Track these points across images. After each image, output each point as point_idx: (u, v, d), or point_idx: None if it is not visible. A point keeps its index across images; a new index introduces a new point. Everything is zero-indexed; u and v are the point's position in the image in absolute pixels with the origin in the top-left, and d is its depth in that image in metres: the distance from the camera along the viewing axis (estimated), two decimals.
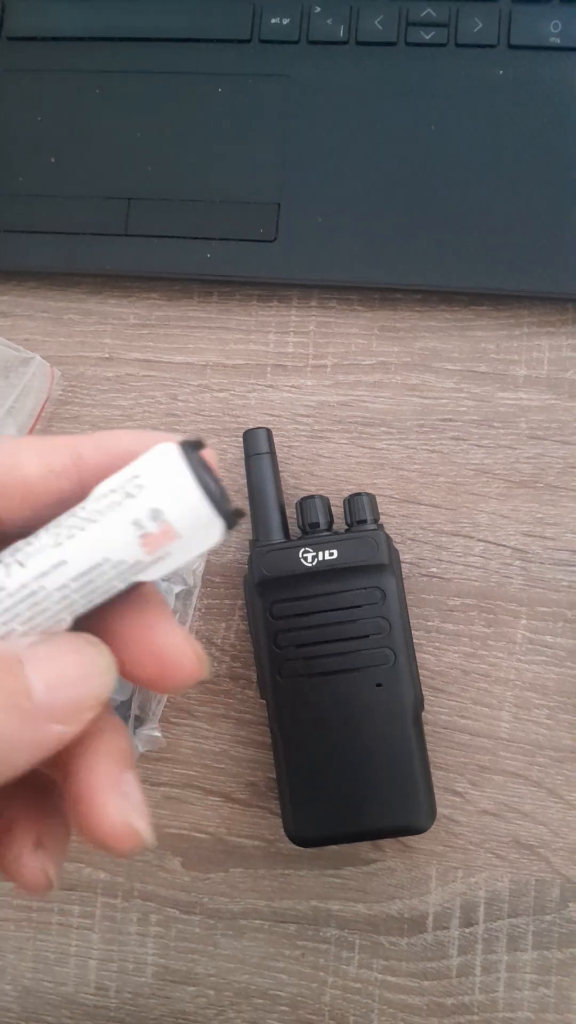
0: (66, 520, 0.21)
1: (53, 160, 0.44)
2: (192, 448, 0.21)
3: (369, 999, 0.40)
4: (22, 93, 0.45)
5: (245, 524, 0.42)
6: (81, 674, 0.20)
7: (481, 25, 0.43)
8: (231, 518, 0.21)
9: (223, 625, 0.43)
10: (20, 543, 0.21)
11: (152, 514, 0.20)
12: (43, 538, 0.20)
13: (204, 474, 0.20)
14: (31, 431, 0.43)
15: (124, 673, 0.22)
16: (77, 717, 0.20)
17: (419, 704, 0.38)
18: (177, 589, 0.42)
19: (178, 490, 0.20)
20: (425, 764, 0.38)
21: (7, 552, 0.21)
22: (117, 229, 0.44)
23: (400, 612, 0.38)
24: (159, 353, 0.45)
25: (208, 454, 0.21)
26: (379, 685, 0.38)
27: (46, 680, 0.20)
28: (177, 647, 0.22)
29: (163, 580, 0.42)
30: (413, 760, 0.37)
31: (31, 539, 0.21)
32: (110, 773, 0.21)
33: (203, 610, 0.43)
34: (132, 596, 0.22)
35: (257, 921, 0.41)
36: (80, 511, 0.20)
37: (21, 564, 0.20)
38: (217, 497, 0.20)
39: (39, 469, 0.22)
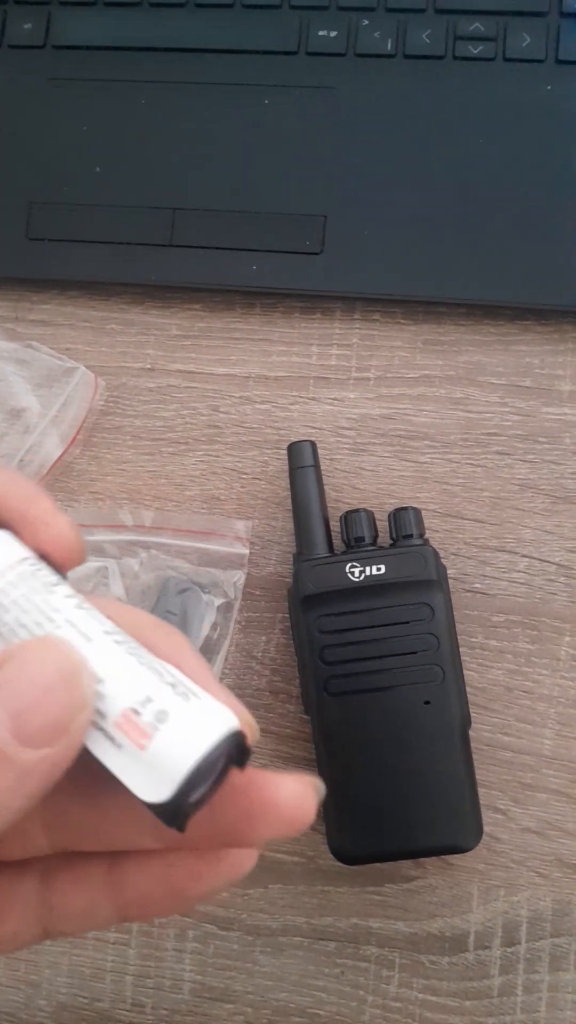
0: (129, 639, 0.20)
1: (98, 170, 0.44)
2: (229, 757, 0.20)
3: (409, 1018, 0.40)
4: (68, 102, 0.45)
5: (289, 536, 0.42)
6: (48, 687, 0.18)
7: (529, 40, 0.43)
8: (166, 812, 0.19)
9: (263, 638, 0.42)
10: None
11: (159, 715, 0.19)
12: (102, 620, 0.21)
13: (203, 774, 0.19)
14: (73, 441, 0.43)
15: None
16: (57, 737, 0.18)
17: (466, 722, 0.38)
18: (218, 602, 0.42)
19: (183, 748, 0.19)
20: (472, 782, 0.38)
21: None
22: (161, 240, 0.44)
23: (448, 629, 0.38)
24: (201, 364, 0.45)
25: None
26: (427, 702, 0.37)
27: (9, 709, 0.18)
28: (294, 795, 0.21)
29: (204, 592, 0.42)
30: (460, 778, 0.37)
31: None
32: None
33: (243, 623, 0.42)
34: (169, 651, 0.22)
35: (296, 938, 0.41)
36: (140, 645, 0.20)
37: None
38: (183, 795, 0.19)
39: None
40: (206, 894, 0.22)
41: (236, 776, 0.20)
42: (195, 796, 0.19)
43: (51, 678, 0.18)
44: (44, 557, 0.22)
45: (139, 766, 0.19)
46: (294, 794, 0.21)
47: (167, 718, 0.19)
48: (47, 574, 0.21)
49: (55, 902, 0.23)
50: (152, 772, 0.19)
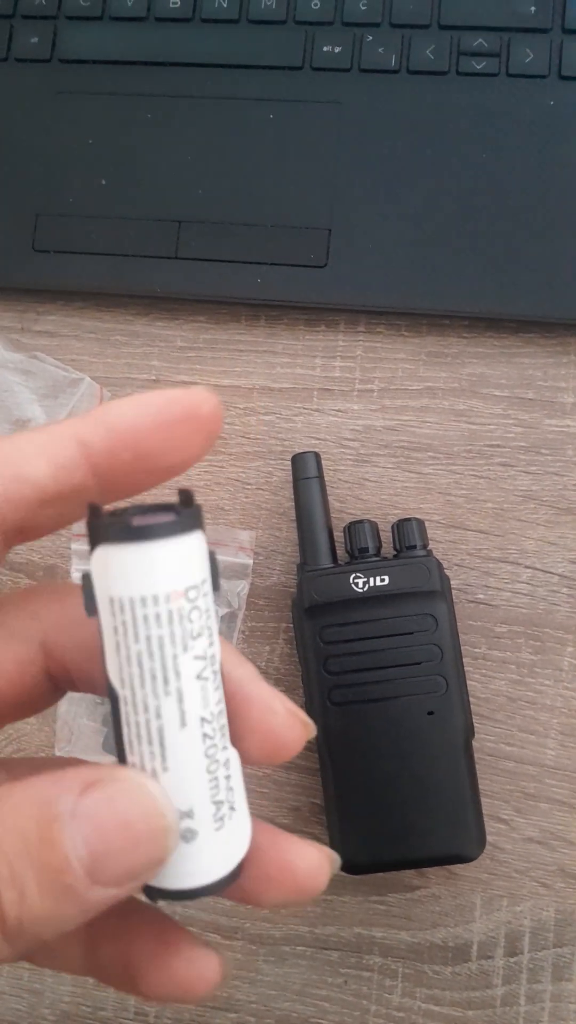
0: (219, 730, 0.20)
1: (104, 182, 0.45)
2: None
3: None
4: (74, 115, 0.45)
5: (292, 547, 0.42)
6: (133, 838, 0.18)
7: (532, 55, 0.43)
8: (153, 894, 0.20)
9: (267, 648, 0.42)
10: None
11: (186, 833, 0.20)
12: (214, 703, 0.20)
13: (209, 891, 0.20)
14: None
15: None
16: (128, 883, 0.18)
17: (470, 732, 0.38)
18: (222, 612, 0.42)
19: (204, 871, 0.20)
20: (476, 793, 0.38)
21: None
22: (167, 252, 0.44)
23: (452, 639, 0.38)
24: (206, 376, 0.45)
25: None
26: (431, 713, 0.37)
27: (91, 848, 0.18)
28: (282, 714, 0.21)
29: None
30: (464, 788, 0.37)
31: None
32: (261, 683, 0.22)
33: (247, 633, 0.43)
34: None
35: (299, 948, 0.41)
36: (222, 746, 0.20)
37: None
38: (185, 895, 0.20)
39: (47, 469, 0.20)
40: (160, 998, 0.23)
41: (261, 834, 0.21)
42: (189, 900, 0.20)
43: (140, 830, 0.18)
44: (214, 564, 0.21)
45: None
46: (312, 864, 0.22)
47: (193, 839, 0.19)
48: (199, 616, 0.19)
49: None
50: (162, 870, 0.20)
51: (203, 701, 0.19)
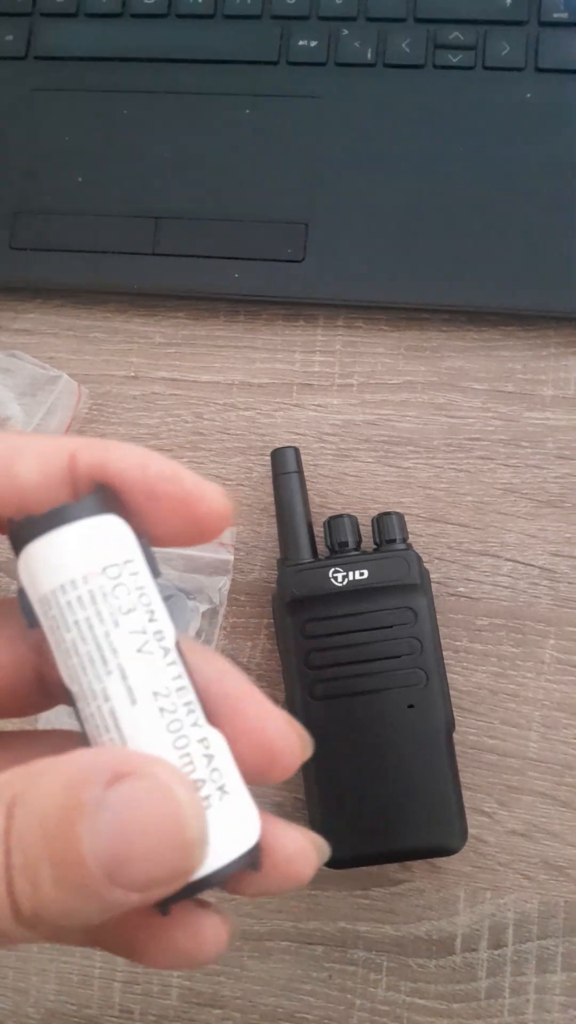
0: (182, 706, 0.20)
1: (80, 179, 0.44)
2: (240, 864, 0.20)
3: (397, 1021, 0.40)
4: (50, 112, 0.45)
5: (273, 542, 0.42)
6: (154, 850, 0.17)
7: (508, 48, 0.43)
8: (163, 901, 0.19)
9: (249, 644, 0.42)
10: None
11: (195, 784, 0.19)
12: (169, 677, 0.20)
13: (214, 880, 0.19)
14: None
15: None
16: (153, 892, 0.17)
17: (451, 725, 0.38)
18: (203, 608, 0.42)
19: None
20: (457, 785, 0.38)
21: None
22: (144, 248, 0.44)
23: (431, 632, 0.38)
24: (185, 372, 0.45)
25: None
26: (411, 706, 0.37)
27: (111, 850, 0.17)
28: (280, 730, 0.21)
29: (189, 599, 0.42)
30: (445, 781, 0.37)
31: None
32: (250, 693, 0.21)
33: (228, 629, 0.43)
34: (216, 679, 0.21)
35: (284, 943, 0.41)
36: (191, 722, 0.20)
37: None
38: (190, 890, 0.19)
39: (36, 476, 0.20)
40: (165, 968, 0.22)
41: (230, 689, 0.21)
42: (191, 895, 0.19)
43: (163, 841, 0.17)
44: (146, 550, 0.20)
45: None
46: (297, 849, 0.21)
47: None
48: (126, 592, 0.19)
49: None
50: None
51: (151, 675, 0.19)
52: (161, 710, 0.19)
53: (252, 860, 0.20)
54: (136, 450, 0.21)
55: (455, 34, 0.44)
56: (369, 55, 0.44)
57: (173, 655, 0.20)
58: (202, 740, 0.19)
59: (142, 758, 0.18)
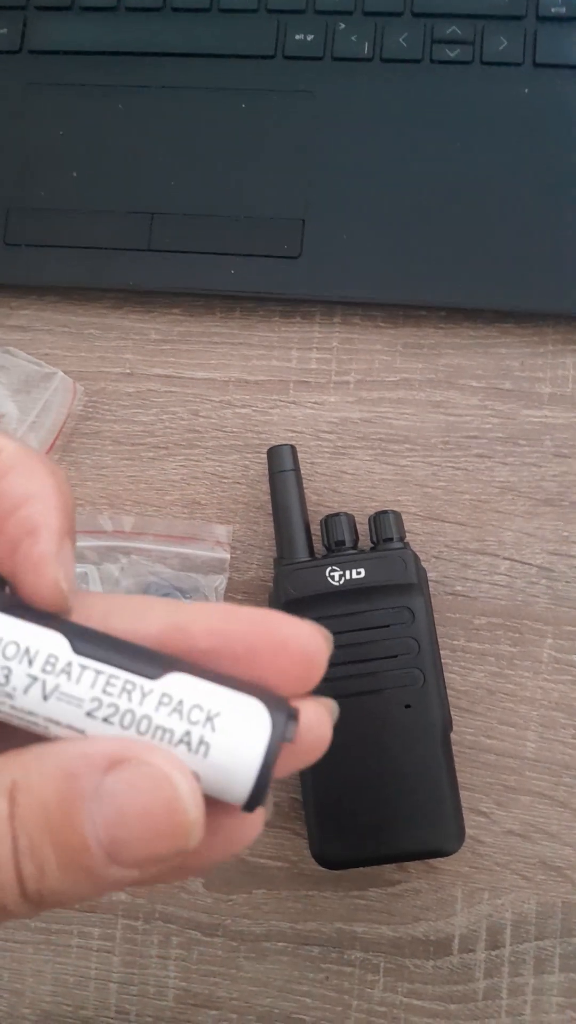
0: (121, 696, 0.19)
1: (75, 175, 0.44)
2: (281, 737, 0.20)
3: (394, 1023, 0.39)
4: (44, 107, 0.45)
5: (270, 541, 0.42)
6: (153, 830, 0.18)
7: (506, 43, 0.43)
8: (251, 808, 0.19)
9: None
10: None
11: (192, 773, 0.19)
12: (88, 687, 0.19)
13: (267, 775, 0.19)
14: (52, 447, 0.43)
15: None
16: (148, 869, 0.18)
17: (448, 725, 0.38)
18: None
19: (232, 783, 0.19)
20: (454, 786, 0.38)
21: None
22: (140, 244, 0.43)
23: (429, 632, 0.38)
24: (181, 369, 0.44)
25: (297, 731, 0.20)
26: (408, 706, 0.37)
27: (111, 832, 0.18)
28: (311, 635, 0.21)
29: (185, 597, 0.42)
30: (442, 782, 0.37)
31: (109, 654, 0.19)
32: (53, 542, 0.20)
33: None
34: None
35: (280, 944, 0.40)
36: (139, 699, 0.19)
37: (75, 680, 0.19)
38: (260, 794, 0.19)
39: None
40: (204, 869, 0.22)
41: (252, 619, 0.21)
42: (264, 795, 0.19)
43: (161, 822, 0.18)
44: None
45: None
46: (305, 635, 0.21)
47: (198, 779, 0.19)
48: None
49: None
50: (215, 793, 0.19)
51: (72, 707, 0.19)
52: (106, 720, 0.19)
53: (284, 734, 0.20)
54: (29, 485, 0.20)
55: (452, 29, 0.43)
56: (366, 50, 0.44)
57: (77, 663, 0.19)
58: (161, 703, 0.19)
59: (139, 746, 0.18)
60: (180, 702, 0.19)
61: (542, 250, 0.42)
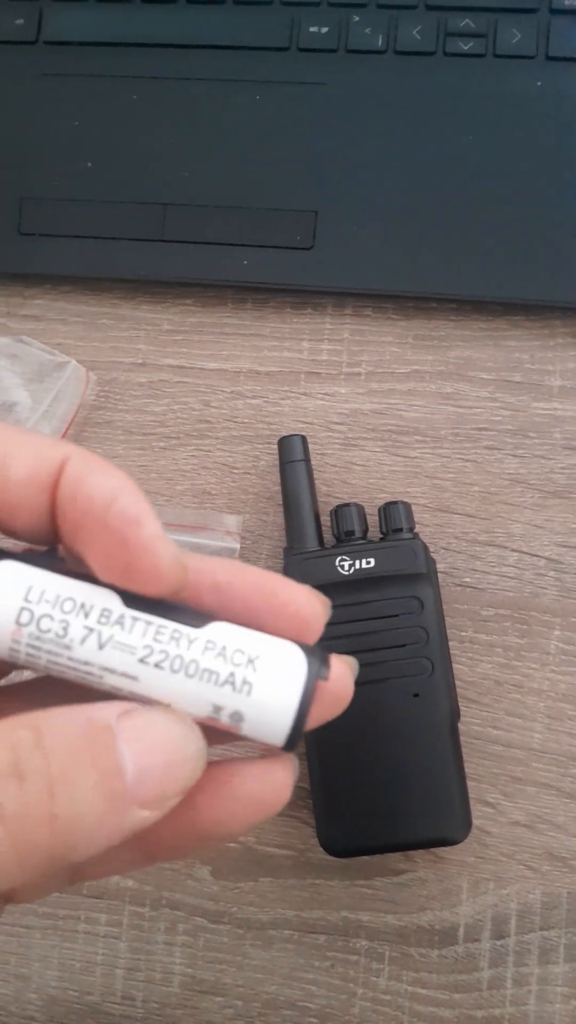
0: (170, 643, 0.21)
1: (89, 165, 0.44)
2: (316, 676, 0.21)
3: (399, 1011, 0.40)
4: (59, 98, 0.45)
5: (279, 531, 0.42)
6: (169, 760, 0.20)
7: (520, 36, 0.43)
8: (291, 746, 0.21)
9: None
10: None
11: (233, 716, 0.21)
12: (140, 635, 0.21)
13: (305, 713, 0.21)
14: (64, 436, 0.43)
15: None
16: (162, 804, 0.20)
17: (455, 715, 0.38)
18: None
19: (273, 719, 0.21)
20: (461, 775, 0.38)
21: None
22: (153, 235, 0.44)
23: (437, 622, 0.38)
24: (192, 359, 0.45)
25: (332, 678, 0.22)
26: (416, 695, 0.37)
27: (136, 761, 0.19)
28: (308, 599, 0.22)
29: None
30: (449, 771, 0.37)
31: (138, 615, 0.21)
32: (158, 524, 0.21)
33: None
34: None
35: (286, 931, 0.41)
36: (187, 645, 0.21)
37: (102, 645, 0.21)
38: (298, 732, 0.21)
39: (24, 475, 0.21)
40: (231, 836, 0.24)
41: (252, 579, 0.22)
42: (301, 734, 0.21)
43: (174, 753, 0.20)
44: (47, 557, 0.22)
45: (240, 732, 0.21)
46: (303, 599, 0.22)
47: (240, 720, 0.21)
48: (51, 621, 0.21)
49: None
50: (257, 737, 0.21)
51: (127, 655, 0.21)
52: (157, 665, 0.20)
53: (320, 673, 0.21)
54: (112, 482, 0.21)
55: (466, 21, 0.43)
56: (380, 42, 0.44)
57: (129, 616, 0.21)
58: (207, 648, 0.21)
59: (135, 704, 0.20)
60: (224, 647, 0.21)
61: (554, 243, 0.42)
